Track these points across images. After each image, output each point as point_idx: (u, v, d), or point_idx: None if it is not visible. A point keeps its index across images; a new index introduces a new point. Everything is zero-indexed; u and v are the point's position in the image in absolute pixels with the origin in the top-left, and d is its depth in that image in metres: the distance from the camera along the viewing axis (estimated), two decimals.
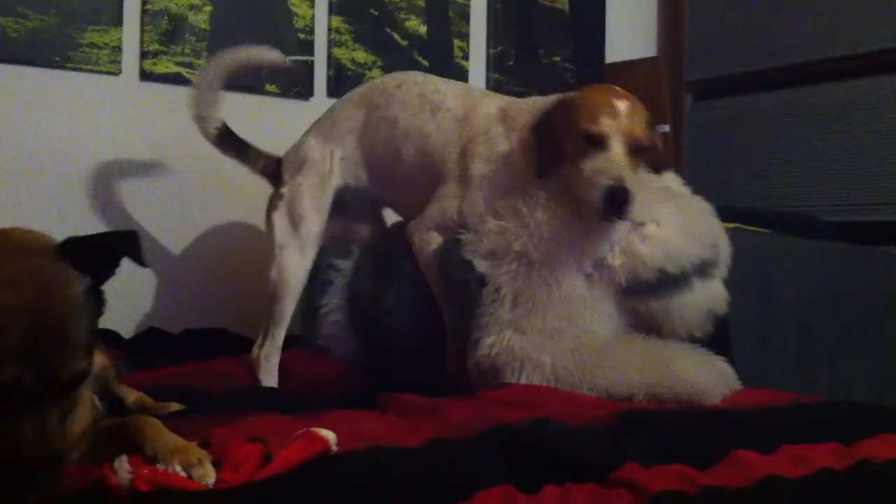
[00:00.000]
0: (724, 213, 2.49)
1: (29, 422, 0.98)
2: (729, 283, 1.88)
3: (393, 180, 2.07)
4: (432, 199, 1.97)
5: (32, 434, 0.98)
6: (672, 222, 1.77)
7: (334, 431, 1.18)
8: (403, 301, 2.02)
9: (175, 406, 1.55)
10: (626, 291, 1.76)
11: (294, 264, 2.06)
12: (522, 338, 1.73)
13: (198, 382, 1.86)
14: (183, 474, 1.07)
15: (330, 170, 2.09)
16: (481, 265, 1.81)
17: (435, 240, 1.95)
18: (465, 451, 1.20)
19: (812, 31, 3.01)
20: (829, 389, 2.02)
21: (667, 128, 3.14)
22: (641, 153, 1.78)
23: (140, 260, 1.14)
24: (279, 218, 2.09)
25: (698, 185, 3.16)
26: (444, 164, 1.97)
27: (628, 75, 3.32)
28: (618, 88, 1.85)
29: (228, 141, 2.21)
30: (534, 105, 1.95)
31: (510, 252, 1.79)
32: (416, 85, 2.08)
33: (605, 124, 1.74)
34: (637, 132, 1.76)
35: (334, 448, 1.16)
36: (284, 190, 2.11)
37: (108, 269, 1.12)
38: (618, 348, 1.72)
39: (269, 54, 2.30)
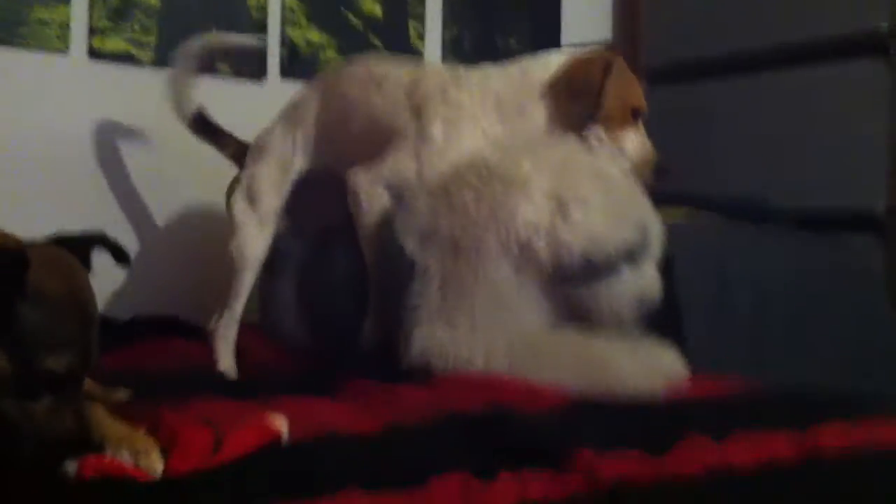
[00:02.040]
0: (678, 199, 2.51)
1: (72, 407, 1.03)
2: (681, 269, 1.89)
3: (348, 158, 2.05)
4: (386, 154, 1.93)
5: (75, 420, 1.03)
6: (598, 205, 1.74)
7: (287, 416, 1.17)
8: (344, 273, 2.01)
9: (122, 394, 1.53)
10: (552, 278, 1.72)
11: (252, 239, 2.08)
12: (453, 333, 1.70)
13: (148, 364, 1.83)
14: (131, 463, 1.05)
15: (291, 154, 2.11)
16: (412, 246, 1.78)
17: (382, 199, 1.91)
18: (421, 437, 1.19)
19: (769, 16, 3.03)
20: (782, 373, 2.04)
21: None
22: None
23: (125, 261, 1.25)
24: (238, 200, 2.12)
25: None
26: (394, 127, 1.95)
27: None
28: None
29: (203, 125, 2.24)
30: (488, 72, 1.97)
31: (438, 233, 1.76)
32: (366, 65, 2.10)
33: (643, 101, 1.88)
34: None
35: (286, 433, 1.14)
36: (244, 174, 2.14)
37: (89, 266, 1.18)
38: (551, 346, 1.69)
39: (242, 39, 2.30)
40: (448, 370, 1.66)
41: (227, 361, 2.02)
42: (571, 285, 1.72)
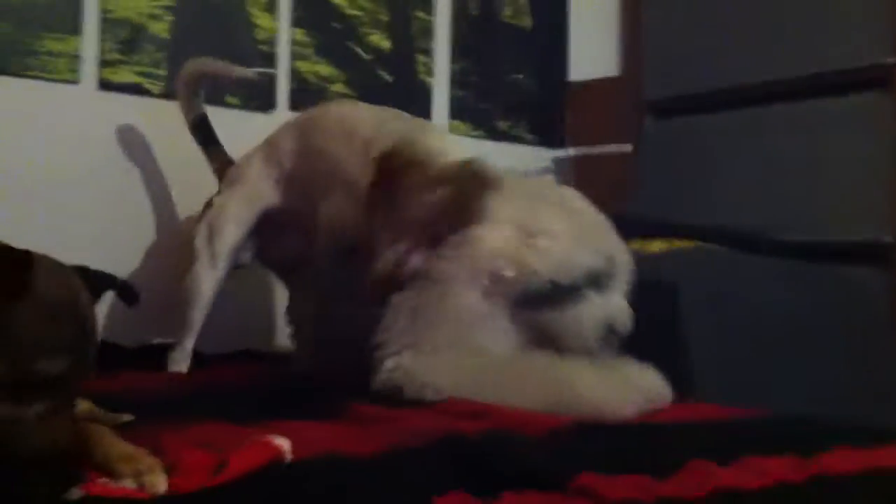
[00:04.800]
0: (683, 230, 2.52)
1: (65, 415, 1.02)
2: (686, 298, 1.89)
3: (318, 204, 2.08)
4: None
5: (67, 427, 1.02)
6: (564, 234, 1.78)
7: (288, 439, 1.16)
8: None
9: (126, 417, 1.52)
10: (520, 304, 1.75)
11: (203, 274, 2.13)
12: (420, 358, 1.71)
13: (150, 389, 1.83)
14: (134, 484, 1.05)
15: (261, 189, 2.15)
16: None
17: None
18: (422, 458, 1.18)
19: (773, 50, 3.05)
20: (786, 403, 2.03)
21: (629, 147, 3.17)
22: None
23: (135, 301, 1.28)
24: (202, 227, 2.16)
25: (657, 203, 3.20)
26: (358, 183, 1.96)
27: (590, 94, 3.35)
28: None
29: (203, 130, 2.32)
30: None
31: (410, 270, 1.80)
32: (341, 114, 2.13)
33: None
34: None
35: (288, 455, 1.14)
36: (215, 200, 2.19)
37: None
38: (518, 369, 1.70)
39: (241, 70, 2.41)
40: (415, 396, 1.67)
41: None
42: (538, 309, 1.75)
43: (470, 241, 1.77)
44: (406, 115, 2.14)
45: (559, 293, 1.73)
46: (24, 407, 1.00)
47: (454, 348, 1.72)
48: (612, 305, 1.79)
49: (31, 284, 1.01)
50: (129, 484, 1.05)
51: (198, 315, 2.12)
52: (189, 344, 2.13)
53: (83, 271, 1.15)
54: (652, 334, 1.80)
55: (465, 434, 1.27)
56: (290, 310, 2.32)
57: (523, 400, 1.59)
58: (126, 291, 1.28)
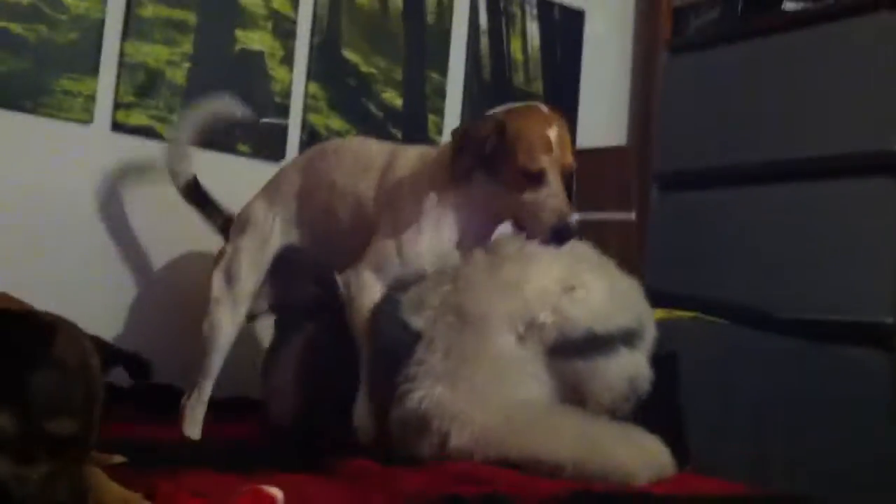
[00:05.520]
0: (686, 302, 2.52)
1: (69, 476, 1.03)
2: (686, 368, 1.89)
3: (332, 242, 2.09)
4: (369, 247, 1.96)
5: (71, 490, 1.02)
6: (600, 288, 1.82)
7: (281, 490, 1.15)
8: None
9: (118, 458, 1.51)
10: (554, 351, 1.77)
11: (225, 319, 2.10)
12: (453, 393, 1.71)
13: (141, 433, 1.82)
14: None
15: (270, 231, 2.14)
16: (417, 321, 1.82)
17: (373, 285, 1.92)
18: None
19: (781, 131, 3.08)
20: (781, 483, 2.01)
21: (633, 215, 3.18)
22: (571, 177, 1.90)
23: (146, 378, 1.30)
24: (217, 275, 2.14)
25: (659, 273, 3.20)
26: (376, 215, 1.99)
27: (597, 162, 3.36)
28: (545, 109, 1.93)
29: (195, 194, 2.31)
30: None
31: (447, 304, 1.81)
32: (352, 149, 2.14)
33: (544, 161, 1.82)
34: (569, 161, 1.89)
35: (281, 502, 1.13)
36: (227, 248, 2.17)
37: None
38: (550, 418, 1.72)
39: (239, 109, 2.38)
40: (443, 425, 1.67)
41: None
42: (572, 359, 1.77)
43: (511, 285, 1.79)
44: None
45: (594, 342, 1.77)
46: (30, 467, 1.00)
47: (487, 386, 1.72)
48: (638, 364, 1.82)
49: (51, 350, 1.02)
50: None
51: (216, 360, 2.09)
52: (207, 390, 2.08)
53: (96, 342, 1.16)
54: (650, 402, 1.80)
55: (461, 496, 1.26)
56: (273, 358, 2.28)
57: (550, 450, 1.61)
58: (137, 366, 1.29)
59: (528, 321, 1.77)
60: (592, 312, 1.78)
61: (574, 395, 1.77)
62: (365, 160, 2.07)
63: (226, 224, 2.26)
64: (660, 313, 2.38)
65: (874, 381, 2.60)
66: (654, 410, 1.76)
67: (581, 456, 1.60)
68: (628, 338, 1.81)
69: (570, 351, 1.76)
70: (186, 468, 1.40)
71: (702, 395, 2.13)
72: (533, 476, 1.56)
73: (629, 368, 1.80)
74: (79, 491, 1.04)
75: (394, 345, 1.81)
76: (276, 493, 1.14)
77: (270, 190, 2.20)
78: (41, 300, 1.21)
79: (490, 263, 1.84)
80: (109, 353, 1.18)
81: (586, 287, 1.81)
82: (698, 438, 1.99)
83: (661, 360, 1.84)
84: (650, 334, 1.88)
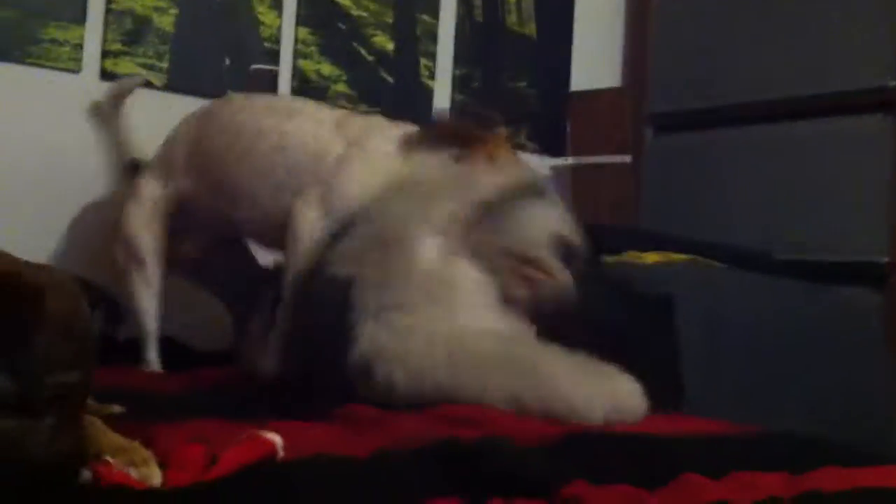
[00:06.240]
0: (682, 245, 2.52)
1: (74, 427, 1.03)
2: (681, 312, 1.89)
3: (237, 192, 2.11)
4: (329, 179, 2.00)
5: (76, 439, 1.02)
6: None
7: (280, 436, 1.16)
8: None
9: (116, 408, 1.52)
10: (469, 229, 1.80)
11: (137, 289, 2.16)
12: (390, 332, 1.68)
13: (141, 385, 1.83)
14: (134, 474, 1.05)
15: (162, 188, 2.19)
16: (343, 270, 1.79)
17: (320, 226, 1.96)
18: (412, 462, 1.18)
19: (776, 70, 3.06)
20: (776, 420, 2.03)
21: (628, 158, 3.17)
22: None
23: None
24: (117, 246, 2.20)
25: (654, 215, 3.20)
26: (322, 161, 2.02)
27: (592, 104, 3.35)
28: None
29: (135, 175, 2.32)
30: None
31: (369, 241, 1.80)
32: (259, 98, 2.22)
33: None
34: None
35: (280, 451, 1.14)
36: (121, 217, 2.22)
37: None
38: (495, 352, 1.67)
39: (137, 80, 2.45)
40: (386, 371, 1.65)
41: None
42: (487, 224, 1.81)
43: (416, 190, 1.88)
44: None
45: (503, 207, 1.82)
46: (35, 421, 1.01)
47: (425, 317, 1.69)
48: (556, 215, 1.86)
49: (44, 307, 1.02)
50: (129, 470, 1.05)
51: (149, 326, 2.14)
52: (151, 355, 2.14)
53: (82, 283, 1.16)
54: (645, 345, 1.80)
55: (457, 440, 1.27)
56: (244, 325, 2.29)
57: (495, 385, 1.58)
58: (113, 312, 1.29)
59: (445, 213, 1.79)
60: (493, 187, 1.84)
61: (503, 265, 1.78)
62: (288, 106, 2.15)
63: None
64: (656, 256, 2.38)
65: (868, 321, 2.62)
66: (649, 353, 1.75)
67: (528, 394, 1.56)
68: (535, 190, 1.88)
69: (485, 221, 1.80)
70: (184, 416, 1.41)
71: (697, 336, 2.14)
72: (531, 419, 1.56)
73: (544, 218, 1.83)
74: (81, 440, 1.04)
75: (330, 304, 1.79)
76: (275, 438, 1.15)
77: (161, 152, 2.24)
78: (29, 251, 1.20)
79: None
80: (94, 296, 1.18)
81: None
82: (693, 379, 2.00)
83: (657, 303, 1.84)
84: (552, 187, 1.94)
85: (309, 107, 2.16)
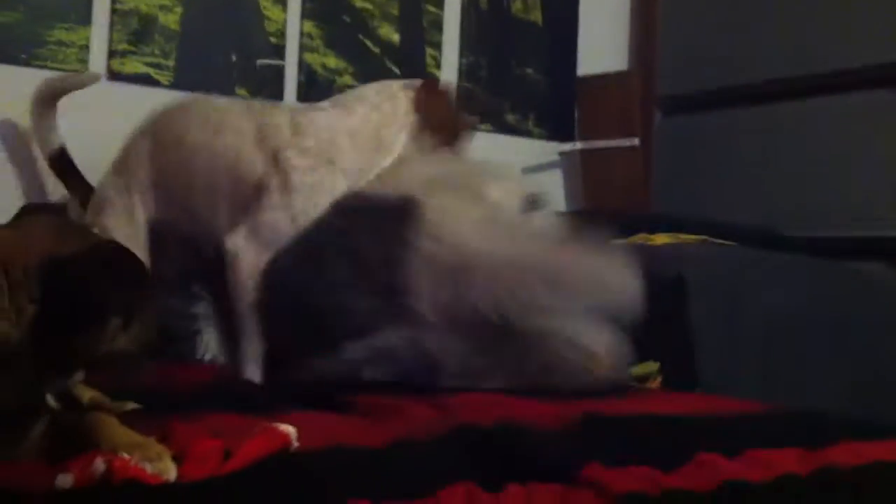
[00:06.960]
0: (693, 225, 2.51)
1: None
2: (695, 292, 1.88)
3: (188, 206, 2.01)
4: (255, 213, 1.91)
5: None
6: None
7: (294, 427, 1.17)
8: None
9: (131, 405, 1.53)
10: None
11: None
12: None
13: (154, 382, 1.83)
14: (149, 468, 1.05)
15: (131, 205, 2.03)
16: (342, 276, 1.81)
17: (262, 260, 1.90)
18: (430, 449, 1.19)
19: (782, 49, 3.04)
20: (793, 398, 2.03)
21: (637, 141, 3.16)
22: None
23: None
24: None
25: (664, 198, 3.19)
26: (246, 176, 1.93)
27: (599, 88, 3.34)
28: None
29: (62, 164, 2.26)
30: (330, 112, 2.00)
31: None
32: (201, 107, 2.05)
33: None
34: None
35: (295, 443, 1.14)
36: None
37: None
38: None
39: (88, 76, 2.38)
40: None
41: None
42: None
43: None
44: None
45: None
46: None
47: None
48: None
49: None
50: (144, 465, 1.05)
51: None
52: None
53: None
54: (657, 326, 1.79)
55: (474, 425, 1.27)
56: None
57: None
58: None
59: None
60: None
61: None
62: (215, 120, 1.99)
63: (87, 198, 2.13)
64: (664, 237, 2.38)
65: (884, 296, 2.60)
66: (660, 333, 1.75)
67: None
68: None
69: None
70: (198, 412, 1.41)
71: (710, 316, 2.14)
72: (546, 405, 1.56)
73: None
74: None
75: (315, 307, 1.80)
76: (290, 430, 1.15)
77: (119, 161, 2.08)
78: None
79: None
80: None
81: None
82: (706, 359, 2.00)
83: (667, 284, 1.83)
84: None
85: (232, 116, 1.99)
